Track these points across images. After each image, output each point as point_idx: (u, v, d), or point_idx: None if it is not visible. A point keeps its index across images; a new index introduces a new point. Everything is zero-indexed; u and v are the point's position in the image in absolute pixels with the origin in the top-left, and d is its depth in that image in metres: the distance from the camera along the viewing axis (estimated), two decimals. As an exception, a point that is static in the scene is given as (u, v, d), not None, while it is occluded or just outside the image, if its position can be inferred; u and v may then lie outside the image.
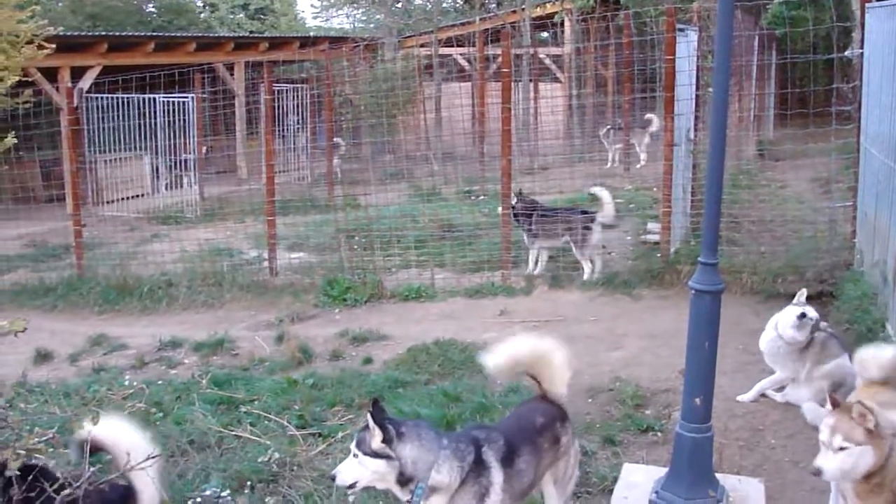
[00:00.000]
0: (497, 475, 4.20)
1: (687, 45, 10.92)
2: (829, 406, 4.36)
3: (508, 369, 4.89)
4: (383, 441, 4.03)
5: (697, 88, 11.38)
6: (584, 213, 11.27)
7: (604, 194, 11.16)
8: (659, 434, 6.65)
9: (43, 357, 9.31)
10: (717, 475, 5.22)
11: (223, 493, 5.66)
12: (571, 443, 4.85)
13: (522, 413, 4.87)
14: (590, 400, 7.39)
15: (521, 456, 4.37)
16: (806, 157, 15.43)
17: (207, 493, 5.64)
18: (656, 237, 11.32)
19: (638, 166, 19.78)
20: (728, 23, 4.79)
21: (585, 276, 10.96)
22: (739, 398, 7.02)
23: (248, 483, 5.90)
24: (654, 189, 14.82)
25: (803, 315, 6.61)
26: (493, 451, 4.26)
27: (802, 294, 6.91)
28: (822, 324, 6.86)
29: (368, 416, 4.03)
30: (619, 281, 10.68)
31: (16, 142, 13.97)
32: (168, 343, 9.50)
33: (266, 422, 6.96)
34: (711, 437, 5.05)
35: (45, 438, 4.77)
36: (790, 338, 6.68)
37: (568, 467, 4.80)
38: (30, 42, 14.51)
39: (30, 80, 16.93)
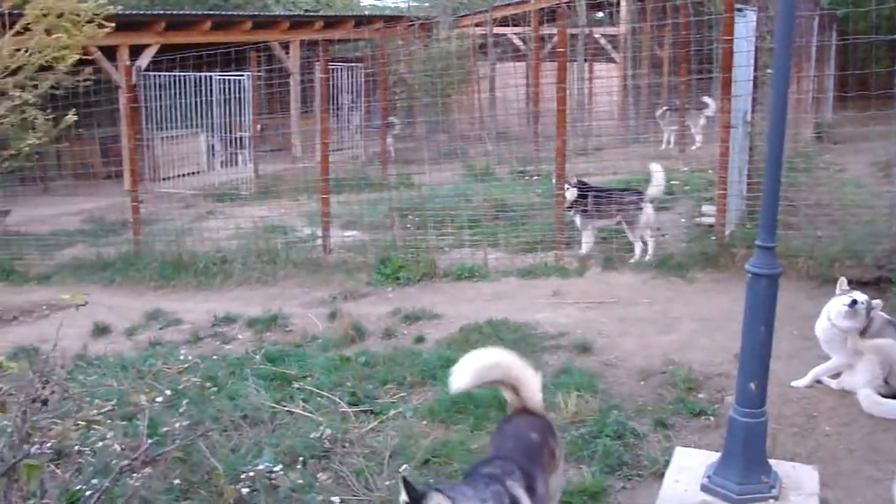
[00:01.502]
0: None
1: (745, 26, 10.76)
2: None
3: (475, 384, 4.62)
4: None
5: (755, 70, 11.21)
6: (637, 193, 11.20)
7: (657, 172, 11.10)
8: (711, 418, 6.61)
9: (101, 331, 9.47)
10: (771, 461, 5.18)
11: (276, 468, 5.73)
12: (561, 455, 4.64)
13: (514, 432, 4.50)
14: (642, 382, 7.36)
15: (536, 479, 4.12)
16: (866, 140, 15.16)
17: (260, 467, 5.71)
18: (711, 220, 11.22)
19: (693, 148, 19.59)
20: (790, 2, 4.71)
21: (636, 257, 10.90)
22: (794, 384, 6.95)
23: (301, 458, 5.97)
24: (710, 171, 14.65)
25: (854, 302, 6.51)
26: (516, 482, 3.97)
27: (843, 282, 6.81)
28: (875, 301, 6.75)
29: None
30: (673, 263, 10.59)
31: (76, 119, 14.25)
32: (222, 319, 9.61)
33: (318, 398, 7.02)
34: (765, 422, 5.01)
35: (104, 410, 4.87)
36: (847, 327, 6.59)
37: (559, 482, 4.62)
38: (90, 21, 14.73)
39: (90, 58, 17.17)
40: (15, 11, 14.10)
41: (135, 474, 5.60)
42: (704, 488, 4.88)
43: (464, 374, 4.47)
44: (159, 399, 6.73)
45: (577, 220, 11.39)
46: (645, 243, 11.00)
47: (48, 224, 14.91)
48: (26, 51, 13.84)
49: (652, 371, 7.56)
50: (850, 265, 9.35)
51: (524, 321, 8.83)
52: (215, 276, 11.41)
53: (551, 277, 10.52)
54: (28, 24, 13.88)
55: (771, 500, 4.81)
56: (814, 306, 7.98)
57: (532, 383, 4.58)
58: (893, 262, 9.27)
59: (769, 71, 13.53)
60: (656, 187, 11.07)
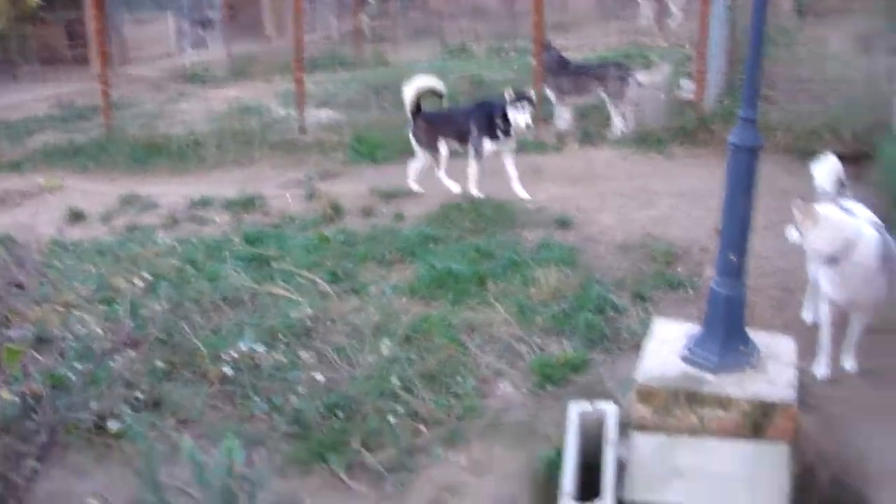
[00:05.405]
0: None
1: None
2: None
3: None
4: None
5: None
6: (619, 66, 11.09)
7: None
8: (690, 291, 6.68)
9: (76, 217, 9.33)
10: (749, 332, 5.20)
11: (258, 348, 5.73)
12: None
13: None
14: (621, 256, 7.39)
15: None
16: (848, 12, 14.98)
17: (242, 347, 5.71)
18: (690, 95, 11.14)
19: (673, 24, 19.33)
20: None
21: (615, 131, 10.85)
22: None
23: (282, 338, 5.97)
24: (686, 46, 14.52)
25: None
26: None
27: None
28: None
29: None
30: (653, 139, 10.57)
31: (40, 2, 13.87)
32: (199, 202, 9.49)
33: (298, 278, 7.00)
34: (744, 293, 5.01)
35: (83, 294, 4.84)
36: None
37: None
38: None
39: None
40: None
41: (118, 357, 5.61)
42: (685, 358, 4.89)
43: None
44: (138, 283, 6.71)
45: (552, 95, 11.27)
46: (625, 118, 10.93)
47: (17, 111, 14.61)
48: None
49: (631, 245, 7.60)
50: (828, 139, 9.32)
51: (503, 198, 8.80)
52: (190, 160, 11.26)
53: (530, 154, 10.43)
54: None
55: (749, 369, 4.83)
56: (792, 180, 8.01)
57: None
58: (873, 137, 9.25)
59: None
60: (655, 78, 11.04)
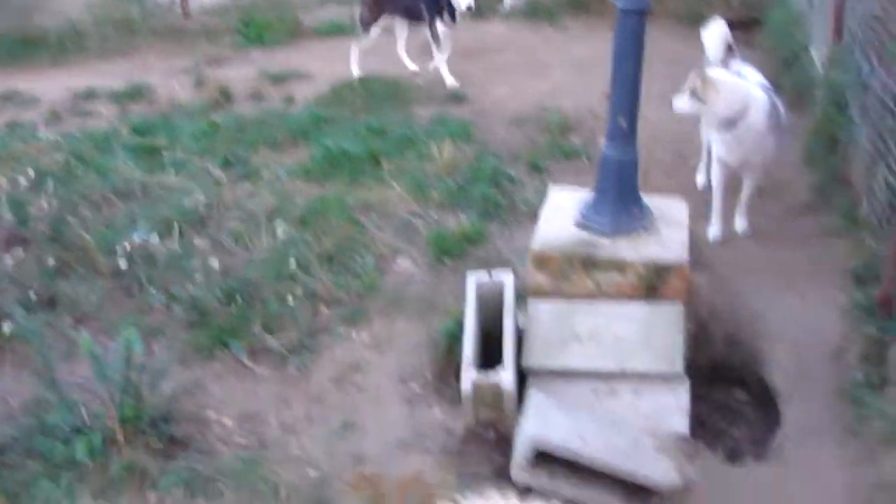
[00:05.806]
0: None
1: None
2: None
3: None
4: None
5: None
6: None
7: None
8: (585, 160, 6.78)
9: (-51, 117, 8.93)
10: (642, 196, 5.26)
11: (151, 239, 5.63)
12: None
13: None
14: (515, 128, 7.42)
15: None
16: None
17: (136, 239, 5.60)
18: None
19: None
20: None
21: (507, 4, 10.76)
22: None
23: (176, 227, 5.86)
24: None
25: None
26: None
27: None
28: None
29: None
30: (544, 11, 10.52)
31: None
32: (83, 94, 9.12)
33: (190, 167, 6.86)
34: (636, 157, 5.05)
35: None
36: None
37: None
38: None
39: None
40: None
41: (6, 257, 5.47)
42: (579, 224, 4.93)
43: None
44: (22, 180, 6.48)
45: None
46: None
47: None
48: None
49: (525, 117, 7.65)
50: (719, 5, 9.35)
51: (395, 75, 8.71)
52: (70, 52, 10.77)
53: (421, 30, 10.29)
54: None
55: (643, 233, 4.91)
56: (684, 47, 8.05)
57: None
58: (761, 2, 9.35)
59: None
60: None
